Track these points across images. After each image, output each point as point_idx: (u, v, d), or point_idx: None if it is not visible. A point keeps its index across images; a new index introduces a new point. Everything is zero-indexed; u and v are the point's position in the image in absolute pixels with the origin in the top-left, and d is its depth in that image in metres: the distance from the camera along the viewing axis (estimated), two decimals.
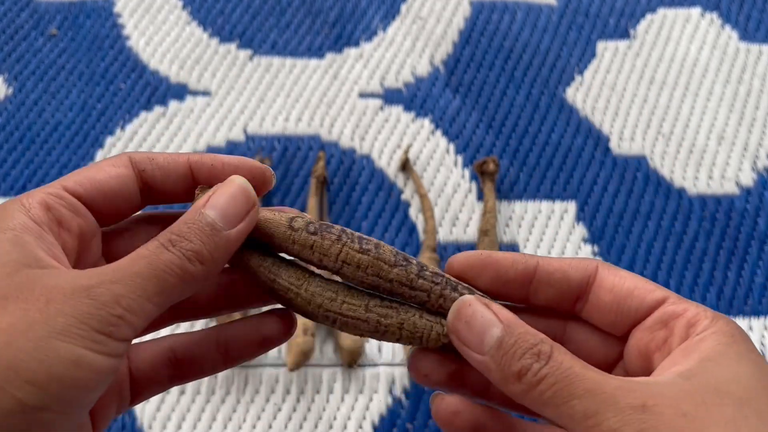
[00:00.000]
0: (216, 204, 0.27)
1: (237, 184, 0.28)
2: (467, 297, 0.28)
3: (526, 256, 0.29)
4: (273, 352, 0.54)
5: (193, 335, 0.30)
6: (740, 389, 0.24)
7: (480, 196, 0.61)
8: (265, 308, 0.31)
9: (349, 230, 0.28)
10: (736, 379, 0.24)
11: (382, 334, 0.28)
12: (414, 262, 0.28)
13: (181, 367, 0.30)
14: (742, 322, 0.56)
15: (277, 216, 0.29)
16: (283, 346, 0.54)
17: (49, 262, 0.25)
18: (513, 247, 0.59)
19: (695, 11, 0.72)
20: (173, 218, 0.28)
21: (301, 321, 0.52)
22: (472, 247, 0.58)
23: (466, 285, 0.29)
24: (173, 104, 0.65)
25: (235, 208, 0.27)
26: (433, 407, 0.30)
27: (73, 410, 0.23)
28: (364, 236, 0.28)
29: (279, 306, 0.30)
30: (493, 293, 0.29)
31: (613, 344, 0.29)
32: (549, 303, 0.29)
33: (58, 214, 0.26)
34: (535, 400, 0.25)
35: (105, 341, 0.23)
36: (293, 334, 0.31)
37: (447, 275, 0.29)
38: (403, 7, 0.72)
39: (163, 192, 0.29)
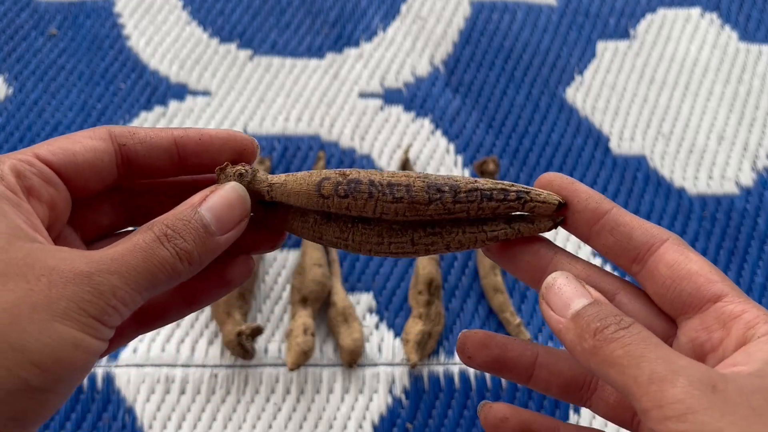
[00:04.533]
0: (213, 207, 0.27)
1: (236, 191, 0.28)
2: (565, 272, 0.28)
3: (604, 199, 0.29)
4: (273, 352, 0.54)
5: None
6: None
7: None
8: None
9: (376, 179, 0.29)
10: None
11: (432, 253, 0.30)
12: (446, 189, 0.29)
13: (146, 315, 0.30)
14: None
15: (305, 186, 0.29)
16: (283, 346, 0.54)
17: (32, 234, 0.25)
18: None
19: (695, 11, 0.72)
20: (132, 190, 0.29)
21: (300, 321, 0.52)
22: None
23: (501, 187, 0.29)
24: (173, 104, 0.65)
25: (230, 215, 0.27)
26: (482, 414, 0.31)
27: (67, 389, 0.24)
28: (393, 179, 0.29)
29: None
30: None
31: (663, 326, 0.29)
32: (605, 251, 0.29)
33: (28, 183, 0.26)
34: (604, 359, 0.25)
35: (100, 327, 0.24)
36: (250, 275, 0.31)
37: (480, 187, 0.29)
38: (403, 7, 0.72)
39: (146, 167, 0.29)
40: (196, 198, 0.27)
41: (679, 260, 0.28)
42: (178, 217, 0.26)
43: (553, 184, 0.30)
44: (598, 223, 0.29)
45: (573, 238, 0.54)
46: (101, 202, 0.30)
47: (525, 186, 0.30)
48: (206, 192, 0.27)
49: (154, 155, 0.29)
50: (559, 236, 0.59)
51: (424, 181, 0.29)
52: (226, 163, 0.29)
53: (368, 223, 0.30)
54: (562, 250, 0.30)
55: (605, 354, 0.25)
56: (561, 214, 0.30)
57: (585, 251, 0.59)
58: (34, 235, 0.25)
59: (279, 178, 0.29)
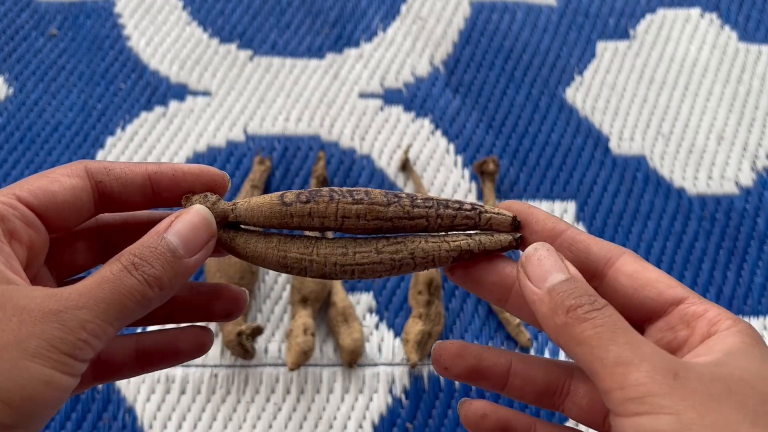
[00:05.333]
0: (178, 231, 0.27)
1: (200, 214, 0.28)
2: (547, 244, 0.29)
3: (561, 221, 0.30)
4: (273, 352, 0.54)
5: (115, 340, 0.30)
6: (765, 385, 0.25)
7: (480, 196, 0.61)
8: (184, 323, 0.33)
9: (336, 188, 0.30)
10: (761, 375, 0.25)
11: (399, 268, 0.30)
12: (404, 195, 0.30)
13: (102, 369, 0.31)
14: None
15: (267, 199, 0.30)
16: (283, 346, 0.54)
17: (10, 277, 0.25)
18: None
19: (695, 11, 0.72)
20: (113, 225, 0.30)
21: (300, 321, 0.52)
22: None
23: (455, 201, 0.31)
24: (173, 104, 0.65)
25: (196, 237, 0.28)
26: (462, 412, 0.32)
27: (38, 425, 0.25)
28: (352, 189, 0.30)
29: (198, 324, 0.32)
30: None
31: None
32: None
33: (11, 226, 0.27)
34: (573, 336, 0.26)
35: (71, 363, 0.24)
36: (207, 352, 0.32)
37: (435, 198, 0.31)
38: (403, 7, 0.72)
39: (121, 201, 0.30)
40: (161, 225, 0.28)
41: (638, 269, 0.29)
42: (144, 245, 0.27)
43: (511, 208, 0.31)
44: (555, 241, 0.30)
45: None
46: (76, 242, 0.31)
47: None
48: (171, 218, 0.28)
49: (129, 191, 0.30)
50: None
51: (381, 191, 0.30)
52: (191, 193, 0.30)
53: (332, 241, 0.30)
54: None
55: (575, 332, 0.26)
56: (518, 231, 0.31)
57: None
58: (12, 277, 0.26)
59: (242, 199, 0.30)
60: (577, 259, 0.29)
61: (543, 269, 0.27)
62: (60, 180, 0.28)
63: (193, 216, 0.28)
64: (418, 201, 0.30)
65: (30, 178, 0.28)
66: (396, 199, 0.30)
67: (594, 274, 0.29)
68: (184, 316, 0.32)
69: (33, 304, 0.24)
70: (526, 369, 0.31)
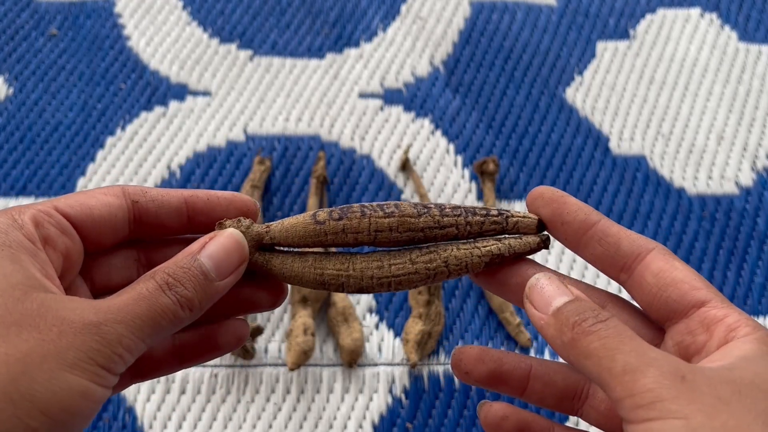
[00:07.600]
0: (211, 254, 0.28)
1: (233, 237, 0.29)
2: (547, 273, 0.29)
3: (593, 211, 0.30)
4: (273, 352, 0.54)
5: None
6: None
7: (480, 196, 0.61)
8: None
9: (366, 203, 0.31)
10: None
11: (434, 277, 0.30)
12: (432, 206, 0.31)
13: (141, 367, 0.31)
14: None
15: (300, 219, 0.30)
16: (283, 346, 0.54)
17: (47, 284, 0.26)
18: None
19: (695, 11, 0.72)
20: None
21: (300, 320, 0.52)
22: None
23: (481, 207, 0.31)
24: (173, 104, 0.65)
25: (229, 260, 0.28)
26: (482, 413, 0.32)
27: None
28: (381, 203, 0.31)
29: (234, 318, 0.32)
30: (548, 226, 0.31)
31: (650, 335, 0.30)
32: (594, 260, 0.30)
33: (45, 232, 0.27)
34: (581, 351, 0.26)
35: (106, 375, 0.25)
36: (242, 344, 0.32)
37: (463, 206, 0.31)
38: (403, 8, 0.72)
39: (156, 225, 0.30)
40: (195, 246, 0.28)
41: (665, 268, 0.29)
42: (178, 265, 0.27)
43: (544, 196, 0.31)
44: (586, 233, 0.30)
45: (568, 252, 0.55)
46: (114, 258, 0.31)
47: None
48: (205, 239, 0.28)
49: (164, 213, 0.30)
50: (554, 251, 0.59)
51: (409, 202, 0.31)
52: (224, 218, 0.30)
53: (367, 255, 0.31)
54: (549, 269, 0.31)
55: (583, 346, 0.26)
56: (544, 233, 0.31)
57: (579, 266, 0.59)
58: (48, 284, 0.26)
59: (275, 222, 0.31)
60: (606, 254, 0.30)
61: (546, 296, 0.28)
62: (97, 196, 0.29)
63: (227, 239, 0.28)
64: (447, 210, 0.31)
65: (70, 193, 0.29)
66: (425, 210, 0.30)
67: (623, 269, 0.30)
68: (230, 309, 0.32)
69: (73, 315, 0.25)
70: (546, 373, 0.32)
